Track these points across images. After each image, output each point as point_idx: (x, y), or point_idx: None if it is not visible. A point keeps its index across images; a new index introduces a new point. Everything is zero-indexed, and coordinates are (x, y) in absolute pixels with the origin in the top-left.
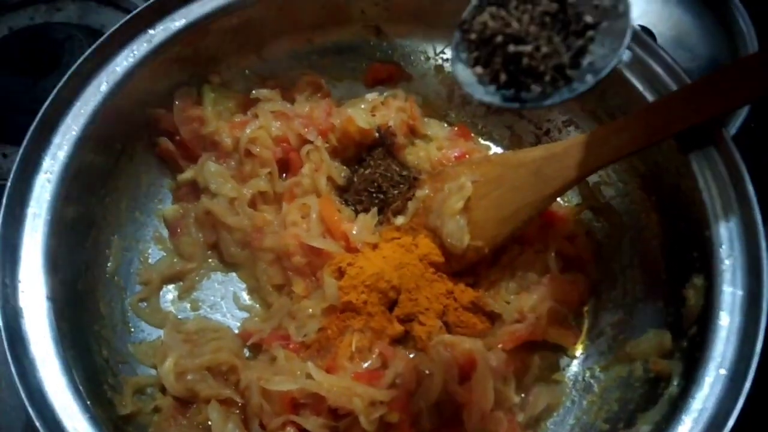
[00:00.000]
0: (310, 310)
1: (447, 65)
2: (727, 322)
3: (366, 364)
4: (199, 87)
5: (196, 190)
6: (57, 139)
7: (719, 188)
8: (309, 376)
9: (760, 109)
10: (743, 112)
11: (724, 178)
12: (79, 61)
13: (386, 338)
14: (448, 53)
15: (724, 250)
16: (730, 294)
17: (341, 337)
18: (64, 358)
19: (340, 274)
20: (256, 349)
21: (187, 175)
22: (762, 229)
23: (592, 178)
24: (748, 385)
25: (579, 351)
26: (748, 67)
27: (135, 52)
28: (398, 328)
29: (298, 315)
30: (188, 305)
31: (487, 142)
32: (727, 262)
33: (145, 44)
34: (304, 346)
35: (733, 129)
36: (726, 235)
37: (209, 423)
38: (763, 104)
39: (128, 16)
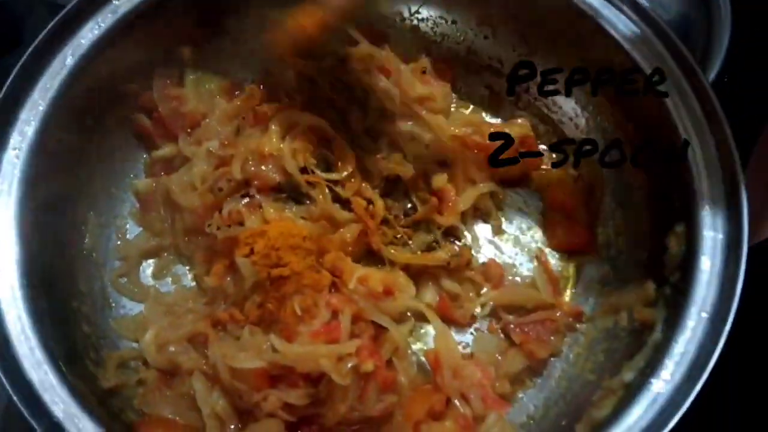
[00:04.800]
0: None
1: (423, 25)
2: (708, 265)
3: (318, 321)
4: (179, 65)
5: (170, 167)
6: (24, 115)
7: (699, 137)
8: (274, 348)
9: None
10: (717, 65)
11: (703, 126)
12: (40, 36)
13: (325, 289)
14: (423, 12)
15: (705, 196)
16: (711, 238)
17: (283, 306)
18: (41, 334)
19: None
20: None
21: (163, 152)
22: (742, 176)
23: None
24: (728, 326)
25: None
26: None
27: (100, 24)
28: (328, 277)
29: (232, 297)
30: (170, 279)
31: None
32: (707, 207)
33: (110, 15)
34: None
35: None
36: (706, 183)
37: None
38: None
39: None
